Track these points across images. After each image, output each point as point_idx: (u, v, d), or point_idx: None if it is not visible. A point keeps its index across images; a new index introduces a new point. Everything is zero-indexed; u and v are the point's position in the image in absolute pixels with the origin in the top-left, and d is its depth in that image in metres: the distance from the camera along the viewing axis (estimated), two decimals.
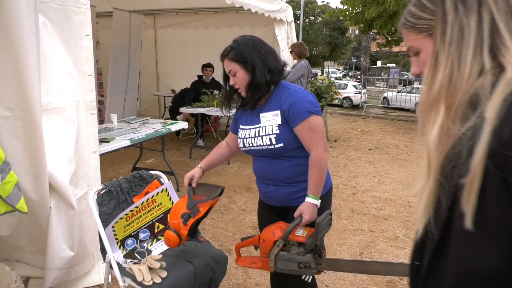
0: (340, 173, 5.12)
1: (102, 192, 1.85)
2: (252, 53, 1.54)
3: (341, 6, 10.60)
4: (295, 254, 1.39)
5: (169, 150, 6.05)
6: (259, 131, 1.60)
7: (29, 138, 2.11)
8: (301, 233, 1.44)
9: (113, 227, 1.82)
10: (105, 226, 1.78)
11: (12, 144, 2.09)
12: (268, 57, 1.56)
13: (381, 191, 4.39)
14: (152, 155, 5.36)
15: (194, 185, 1.72)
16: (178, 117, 6.20)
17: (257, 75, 1.53)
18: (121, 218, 1.85)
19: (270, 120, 1.57)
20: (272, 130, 1.56)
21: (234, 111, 1.80)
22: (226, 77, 1.66)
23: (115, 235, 1.84)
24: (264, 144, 1.57)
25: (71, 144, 2.32)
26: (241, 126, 1.72)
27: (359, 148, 6.74)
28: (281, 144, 1.55)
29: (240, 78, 1.56)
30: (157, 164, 5.12)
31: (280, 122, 1.55)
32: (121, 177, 1.99)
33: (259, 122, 1.61)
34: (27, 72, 1.98)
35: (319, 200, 1.54)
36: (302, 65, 5.36)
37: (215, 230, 3.28)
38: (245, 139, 1.67)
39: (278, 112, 1.56)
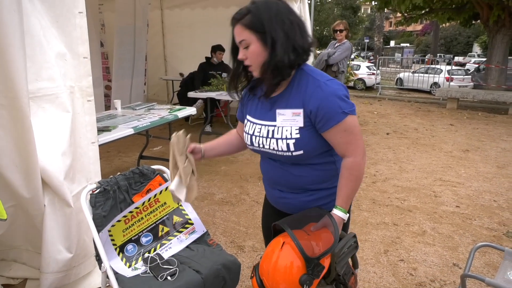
0: None
1: (97, 191, 1.61)
2: (274, 22, 1.16)
3: None
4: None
5: None
6: (273, 131, 1.25)
7: (17, 129, 1.87)
8: None
9: (109, 231, 1.59)
10: (99, 231, 1.55)
11: None
12: (294, 30, 1.19)
13: (403, 180, 4.10)
14: (160, 142, 5.14)
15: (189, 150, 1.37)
16: (194, 105, 5.92)
17: (278, 53, 1.16)
18: (118, 221, 1.62)
19: (289, 121, 1.23)
20: (290, 134, 1.22)
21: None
22: (235, 49, 1.28)
23: (112, 240, 1.62)
24: (279, 149, 1.25)
25: (65, 135, 2.08)
26: (248, 117, 1.36)
27: (376, 133, 6.43)
28: (301, 152, 1.23)
29: (253, 53, 1.20)
30: (165, 152, 4.89)
31: (302, 125, 1.21)
32: (118, 173, 1.75)
33: (273, 119, 1.26)
34: (9, 54, 1.73)
35: (348, 215, 1.26)
36: (349, 46, 5.23)
37: (226, 224, 3.06)
38: (253, 137, 1.32)
39: (301, 111, 1.21)
